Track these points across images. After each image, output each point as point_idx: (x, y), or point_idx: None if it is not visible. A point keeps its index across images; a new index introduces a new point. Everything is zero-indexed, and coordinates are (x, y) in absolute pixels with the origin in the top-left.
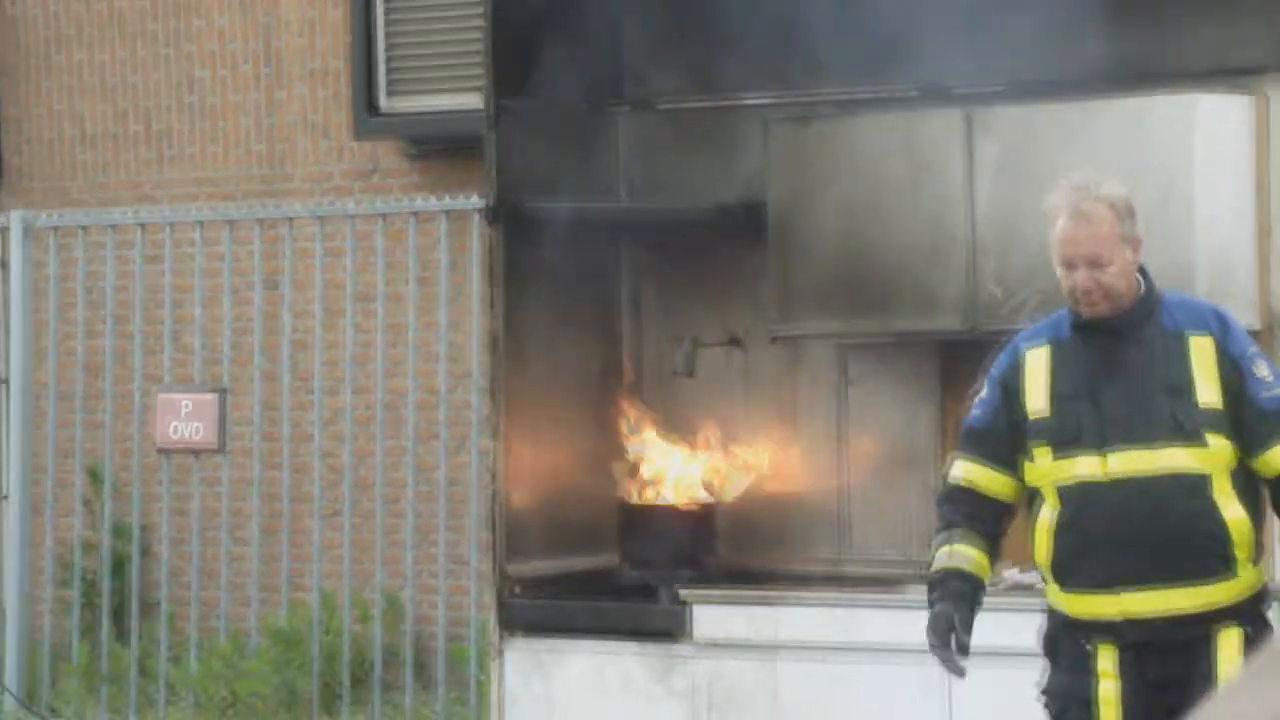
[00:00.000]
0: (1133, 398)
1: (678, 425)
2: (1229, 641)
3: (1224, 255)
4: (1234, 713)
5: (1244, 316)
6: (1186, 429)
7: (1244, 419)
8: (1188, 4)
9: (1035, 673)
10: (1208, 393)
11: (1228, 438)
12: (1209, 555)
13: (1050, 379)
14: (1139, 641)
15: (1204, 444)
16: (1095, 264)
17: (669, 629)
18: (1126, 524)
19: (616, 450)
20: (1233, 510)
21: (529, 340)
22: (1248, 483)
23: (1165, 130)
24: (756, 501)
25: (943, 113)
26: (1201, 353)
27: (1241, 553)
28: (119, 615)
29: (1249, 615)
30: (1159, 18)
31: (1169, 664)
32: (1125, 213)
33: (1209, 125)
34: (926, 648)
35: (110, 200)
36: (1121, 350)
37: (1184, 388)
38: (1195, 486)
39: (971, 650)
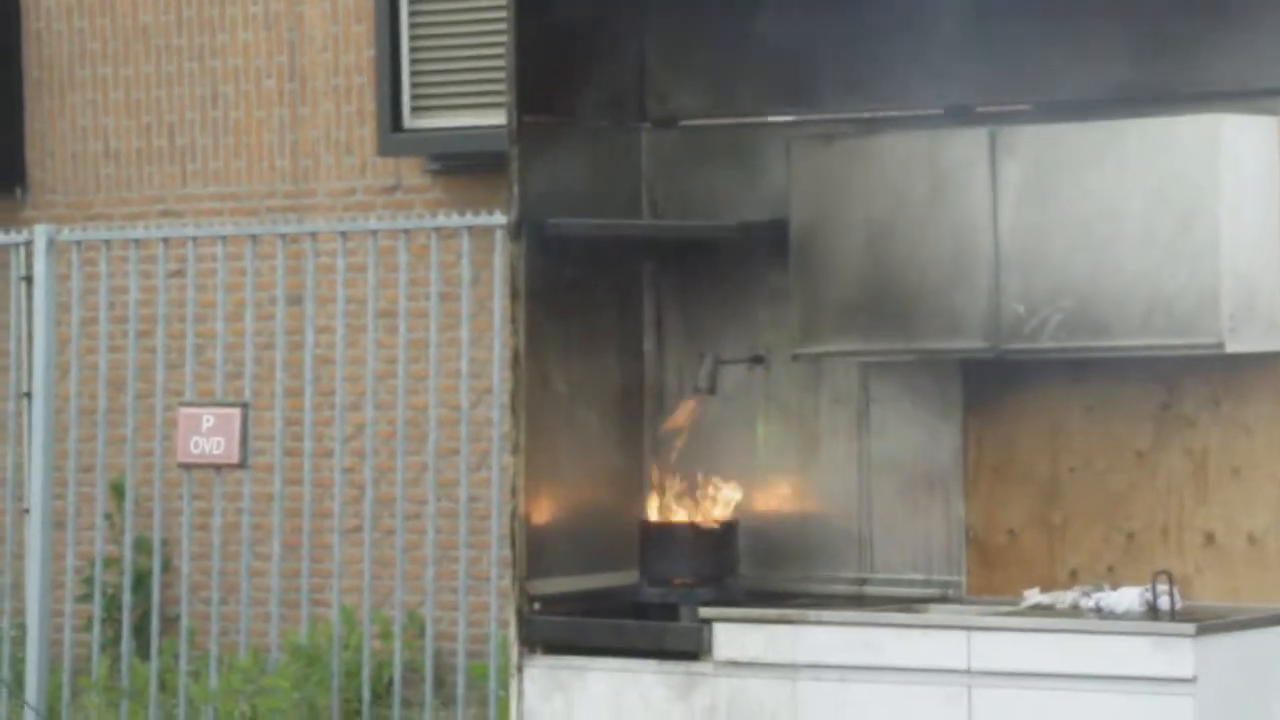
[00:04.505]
0: None
1: (698, 442)
2: None
3: (1249, 277)
4: None
5: (1268, 339)
6: None
7: None
8: (1213, 25)
9: (1057, 694)
10: None
11: None
12: None
13: None
14: None
15: None
16: None
17: (690, 648)
18: None
19: (639, 468)
20: None
21: (551, 357)
22: None
23: (1190, 151)
24: (778, 520)
25: (967, 132)
26: None
27: None
28: (140, 630)
29: None
30: (1184, 39)
31: None
32: None
33: (1234, 146)
34: (947, 668)
35: (134, 215)
36: None
37: None
38: None
39: (993, 671)
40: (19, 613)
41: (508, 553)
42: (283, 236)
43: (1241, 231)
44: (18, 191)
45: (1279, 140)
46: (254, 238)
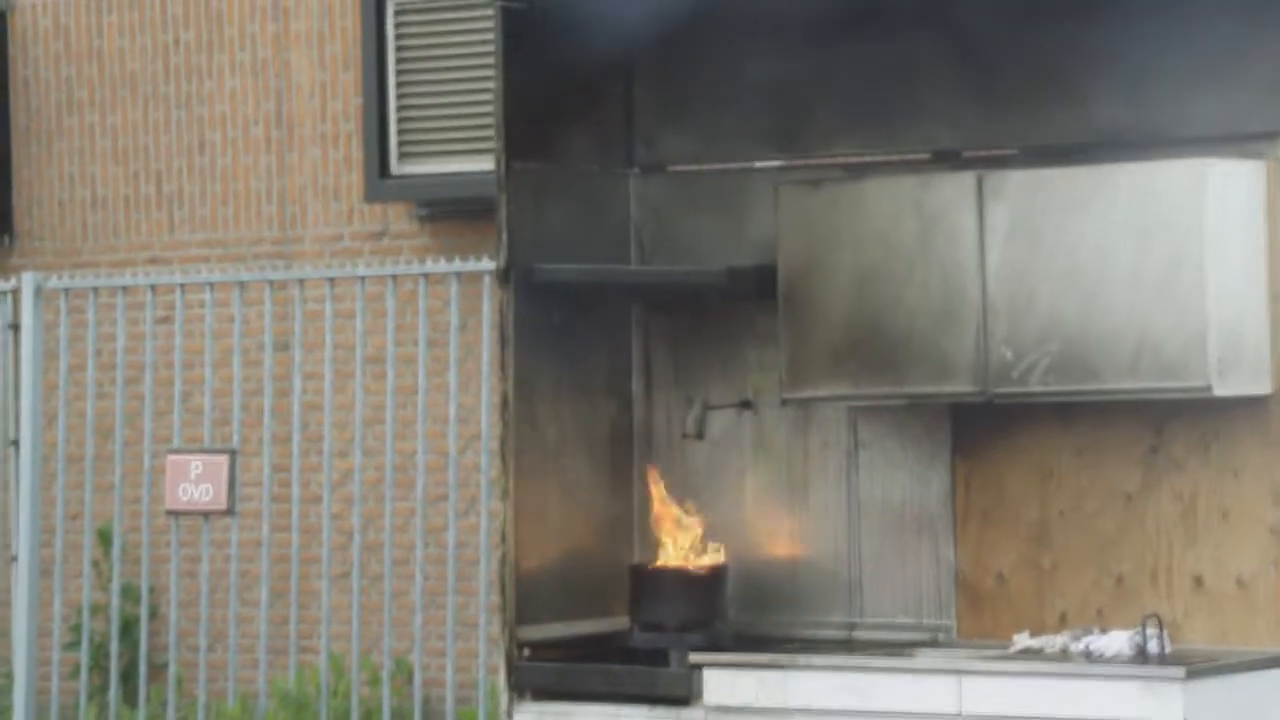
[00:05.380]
0: None
1: (687, 488)
2: None
3: (1236, 321)
4: None
5: (1256, 382)
6: None
7: None
8: (1199, 70)
9: None
10: None
11: None
12: None
13: None
14: None
15: None
16: None
17: (679, 693)
18: None
19: (628, 513)
20: None
21: (539, 402)
22: None
23: (1177, 196)
24: (767, 565)
25: (954, 177)
26: None
27: None
28: (127, 677)
29: None
30: (1170, 83)
31: None
32: None
33: (1221, 191)
34: (937, 713)
35: (121, 262)
36: None
37: None
38: None
39: (983, 715)
40: (5, 661)
41: (496, 598)
42: (270, 283)
43: (1229, 275)
44: (5, 239)
45: (1266, 184)
46: (241, 284)
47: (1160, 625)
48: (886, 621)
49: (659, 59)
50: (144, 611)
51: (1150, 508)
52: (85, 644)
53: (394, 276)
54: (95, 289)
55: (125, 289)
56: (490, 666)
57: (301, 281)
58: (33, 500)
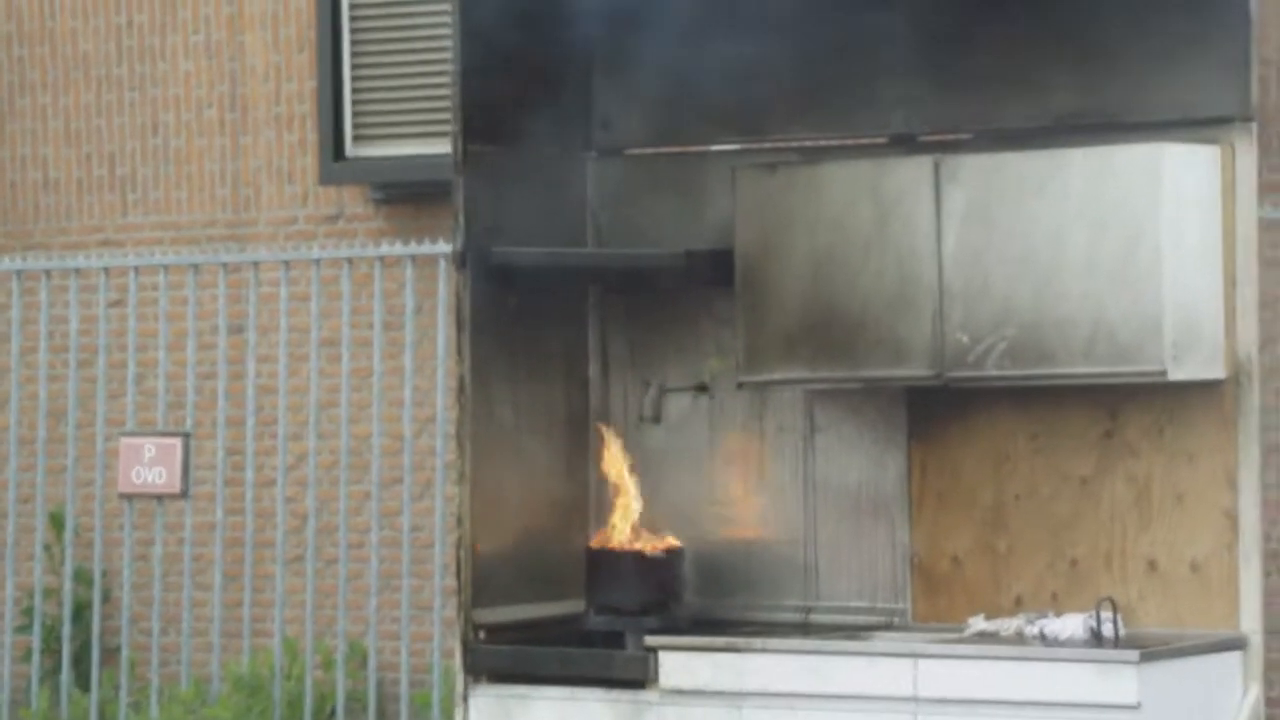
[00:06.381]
0: None
1: (644, 471)
2: None
3: (1191, 305)
4: None
5: (1210, 367)
6: None
7: None
8: (1155, 54)
9: None
10: None
11: None
12: None
13: None
14: None
15: None
16: None
17: (635, 676)
18: None
19: (585, 496)
20: None
21: (496, 385)
22: None
23: (1133, 180)
24: (723, 548)
25: (911, 161)
26: None
27: None
28: (80, 661)
29: None
30: (1126, 68)
31: None
32: None
33: (1176, 176)
34: (893, 695)
35: (74, 245)
36: None
37: None
38: None
39: (939, 699)
40: None
41: (451, 582)
42: (224, 266)
43: (1184, 260)
44: None
45: (1221, 169)
46: (195, 267)
47: (1114, 609)
48: (842, 605)
49: (616, 42)
50: (97, 595)
51: (1105, 492)
52: (37, 627)
53: (349, 260)
54: (48, 271)
55: (78, 271)
56: (445, 650)
57: (256, 264)
58: None
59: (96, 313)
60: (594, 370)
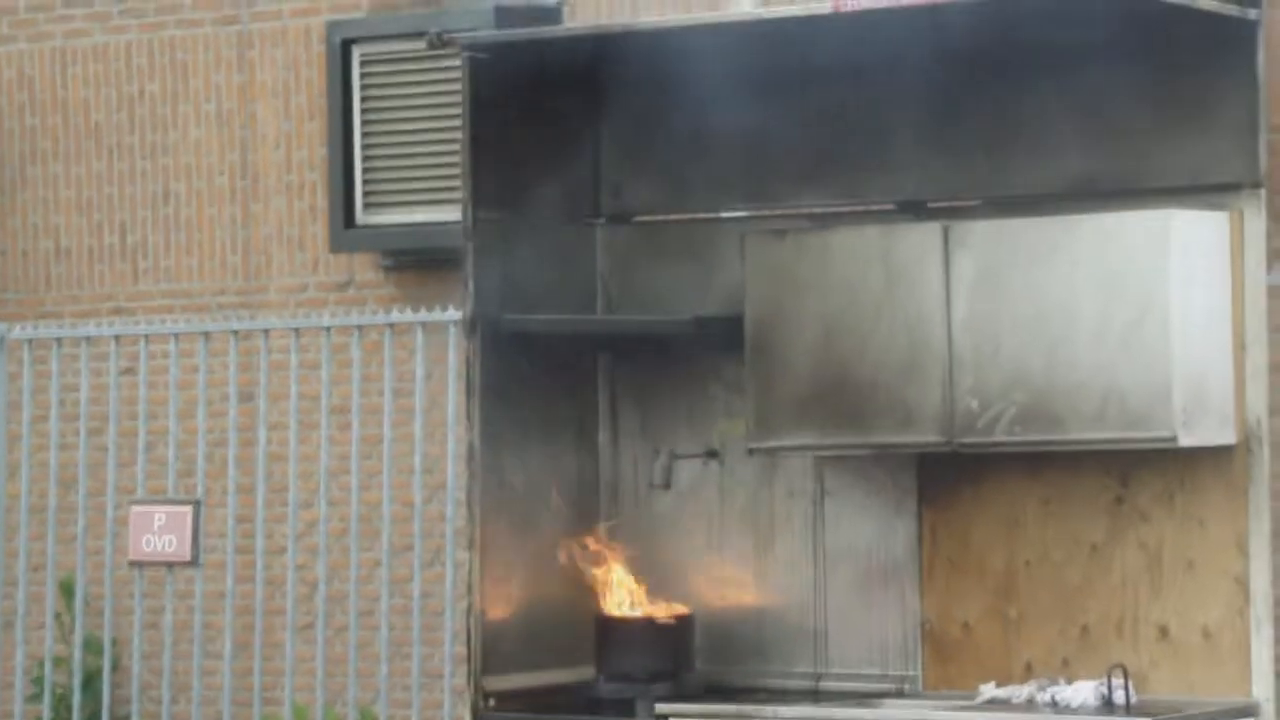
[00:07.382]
0: None
1: (654, 537)
2: None
3: (1200, 372)
4: None
5: (1220, 433)
6: None
7: None
8: (1164, 121)
9: None
10: None
11: None
12: None
13: None
14: None
15: None
16: None
17: None
18: None
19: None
20: None
21: (506, 452)
22: None
23: (1142, 246)
24: (733, 614)
25: (920, 227)
26: None
27: None
28: None
29: None
30: (1135, 134)
31: None
32: None
33: (1185, 241)
34: None
35: (85, 313)
36: None
37: None
38: None
39: None
40: None
41: (462, 649)
42: (235, 333)
43: (1193, 326)
44: None
45: (1230, 235)
46: (206, 335)
47: (1126, 675)
48: (853, 671)
49: (625, 109)
50: (107, 663)
51: (1116, 558)
52: (48, 696)
53: (359, 326)
54: (59, 339)
55: (89, 339)
56: (455, 717)
57: (266, 332)
58: None
59: (107, 380)
60: (604, 436)
